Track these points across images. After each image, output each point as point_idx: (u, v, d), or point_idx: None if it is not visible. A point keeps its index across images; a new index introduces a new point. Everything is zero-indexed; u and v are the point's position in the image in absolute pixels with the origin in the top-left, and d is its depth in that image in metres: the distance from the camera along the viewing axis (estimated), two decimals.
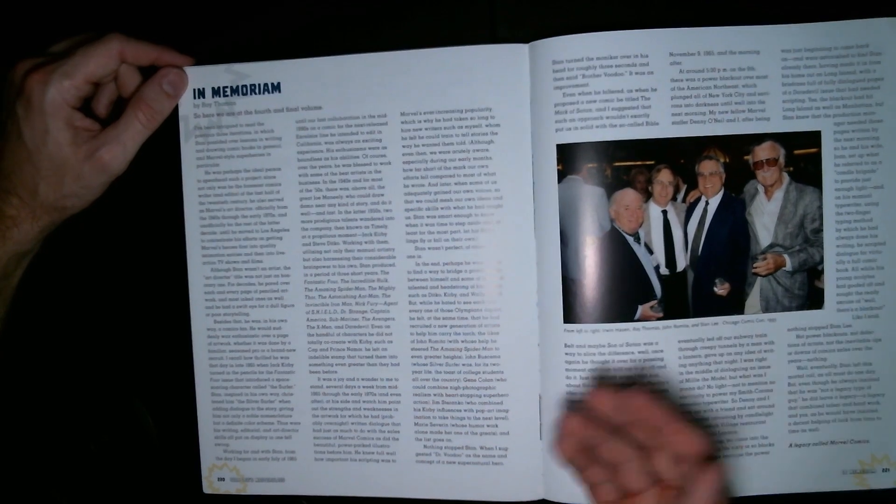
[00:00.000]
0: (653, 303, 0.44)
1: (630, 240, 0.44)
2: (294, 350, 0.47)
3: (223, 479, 0.48)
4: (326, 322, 0.47)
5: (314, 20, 0.49)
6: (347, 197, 0.46)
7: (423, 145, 0.45)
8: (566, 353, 0.44)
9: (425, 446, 0.46)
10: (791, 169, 0.44)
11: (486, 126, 0.45)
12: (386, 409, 0.47)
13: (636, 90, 0.43)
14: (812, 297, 0.45)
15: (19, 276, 0.47)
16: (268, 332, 0.47)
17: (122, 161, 0.44)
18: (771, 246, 0.45)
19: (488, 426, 0.46)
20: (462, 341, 0.46)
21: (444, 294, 0.46)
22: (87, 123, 0.44)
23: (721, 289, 0.45)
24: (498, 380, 0.45)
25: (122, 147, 0.44)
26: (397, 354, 0.46)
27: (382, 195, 0.46)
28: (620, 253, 0.44)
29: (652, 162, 0.44)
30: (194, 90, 0.46)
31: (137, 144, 0.45)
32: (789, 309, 0.45)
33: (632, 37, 0.43)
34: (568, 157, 0.44)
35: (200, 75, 0.46)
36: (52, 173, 0.43)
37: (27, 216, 0.44)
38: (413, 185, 0.46)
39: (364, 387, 0.47)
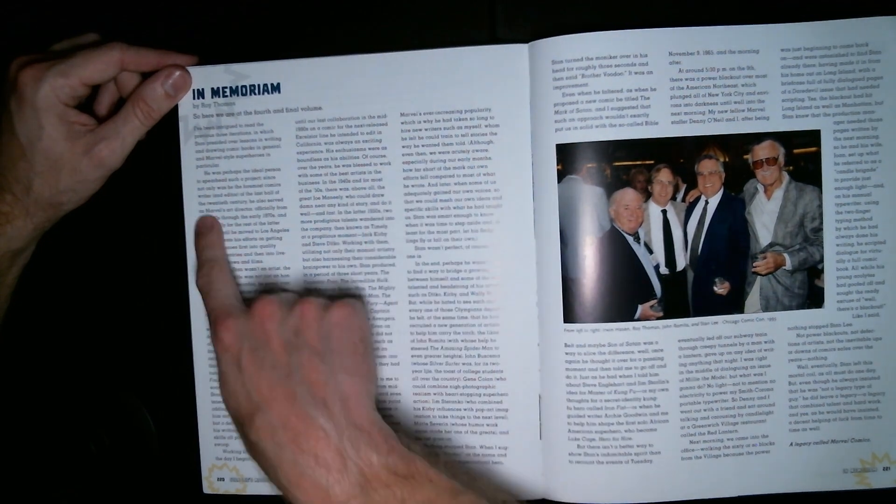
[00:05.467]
0: (653, 302, 0.44)
1: (630, 239, 0.44)
2: None
3: (223, 479, 0.48)
4: None
5: (314, 20, 0.49)
6: (347, 197, 0.46)
7: (422, 146, 0.45)
8: (566, 353, 0.44)
9: (425, 445, 0.46)
10: (791, 168, 0.44)
11: (486, 126, 0.45)
12: (385, 408, 0.47)
13: (636, 90, 0.43)
14: (812, 296, 0.45)
15: (15, 275, 0.47)
16: None
17: (119, 156, 0.45)
18: (771, 245, 0.45)
19: (488, 425, 0.46)
20: (462, 341, 0.46)
21: (444, 294, 0.46)
22: (82, 119, 0.44)
23: (721, 288, 0.45)
24: (498, 379, 0.45)
25: (120, 142, 0.44)
26: (397, 354, 0.46)
27: (382, 195, 0.46)
28: (620, 252, 0.44)
29: (651, 161, 0.44)
30: (194, 90, 0.46)
31: (135, 140, 0.45)
32: (789, 308, 0.45)
33: (631, 36, 0.43)
34: (567, 156, 0.44)
35: (200, 75, 0.46)
36: (47, 169, 0.43)
37: (21, 213, 0.44)
38: (413, 185, 0.46)
39: None
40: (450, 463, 0.44)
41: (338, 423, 0.37)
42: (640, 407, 0.44)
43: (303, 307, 0.40)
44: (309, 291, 0.45)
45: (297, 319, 0.39)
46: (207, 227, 0.47)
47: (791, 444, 0.45)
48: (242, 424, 0.38)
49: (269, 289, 0.47)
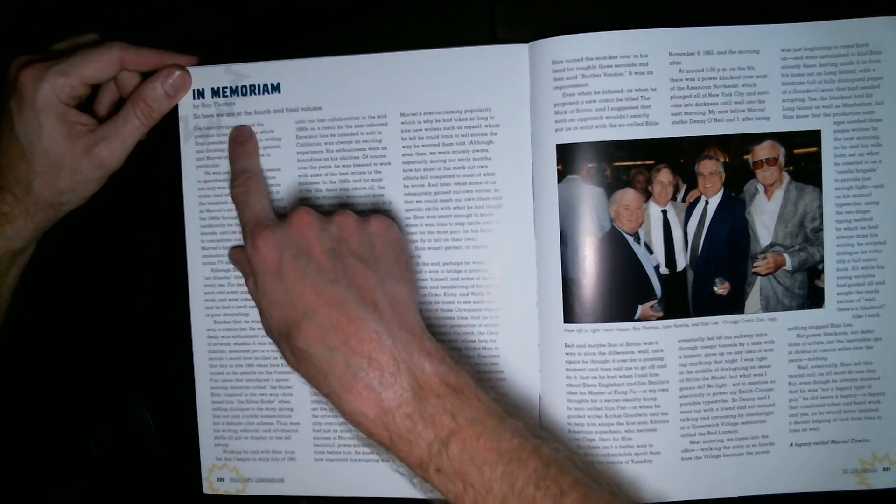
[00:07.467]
0: (653, 302, 0.44)
1: (630, 239, 0.44)
2: None
3: (223, 480, 0.48)
4: None
5: (314, 20, 0.49)
6: (347, 197, 0.46)
7: (422, 146, 0.45)
8: (566, 353, 0.44)
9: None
10: (791, 168, 0.44)
11: (486, 126, 0.45)
12: None
13: (636, 90, 0.43)
14: (812, 297, 0.45)
15: (15, 275, 0.47)
16: None
17: (120, 156, 0.45)
18: (771, 245, 0.45)
19: None
20: (462, 341, 0.46)
21: (444, 294, 0.46)
22: (82, 119, 0.44)
23: (721, 288, 0.45)
24: (498, 379, 0.45)
25: (120, 142, 0.44)
26: None
27: (382, 195, 0.46)
28: (620, 253, 0.44)
29: (652, 162, 0.44)
30: (194, 91, 0.46)
31: (136, 140, 0.45)
32: (789, 308, 0.45)
33: (631, 36, 0.43)
34: (568, 157, 0.44)
35: (200, 76, 0.46)
36: (47, 169, 0.43)
37: (20, 213, 0.44)
38: (413, 185, 0.46)
39: None
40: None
41: (389, 326, 0.36)
42: (640, 407, 0.44)
43: (341, 218, 0.39)
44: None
45: (338, 228, 0.39)
46: (245, 135, 0.46)
47: (791, 445, 0.45)
48: (288, 335, 0.37)
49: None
